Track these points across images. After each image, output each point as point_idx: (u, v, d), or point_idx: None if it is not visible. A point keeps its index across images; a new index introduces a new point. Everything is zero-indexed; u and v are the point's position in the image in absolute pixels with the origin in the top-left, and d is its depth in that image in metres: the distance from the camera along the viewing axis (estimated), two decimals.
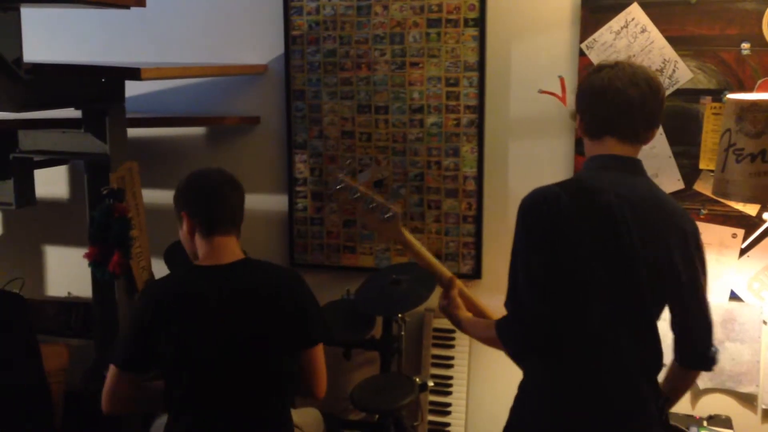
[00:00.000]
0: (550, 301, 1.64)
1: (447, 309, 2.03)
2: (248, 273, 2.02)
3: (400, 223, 1.99)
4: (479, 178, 2.89)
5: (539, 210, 1.67)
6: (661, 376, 1.85)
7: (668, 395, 1.87)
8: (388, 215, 1.96)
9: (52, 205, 3.42)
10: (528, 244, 1.67)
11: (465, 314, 2.00)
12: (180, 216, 2.05)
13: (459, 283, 2.04)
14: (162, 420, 2.21)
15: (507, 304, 1.72)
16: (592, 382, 1.67)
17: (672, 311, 1.80)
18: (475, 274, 2.94)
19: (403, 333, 2.74)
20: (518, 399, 1.78)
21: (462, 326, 2.00)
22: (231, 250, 2.03)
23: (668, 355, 1.81)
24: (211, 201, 2.02)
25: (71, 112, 2.76)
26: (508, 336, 1.71)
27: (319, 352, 2.09)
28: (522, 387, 1.79)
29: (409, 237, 2.02)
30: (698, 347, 1.82)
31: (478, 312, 2.04)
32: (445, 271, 2.06)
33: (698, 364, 1.86)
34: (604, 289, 1.65)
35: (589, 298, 1.65)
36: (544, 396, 1.71)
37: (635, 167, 1.76)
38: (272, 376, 2.00)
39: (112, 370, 1.96)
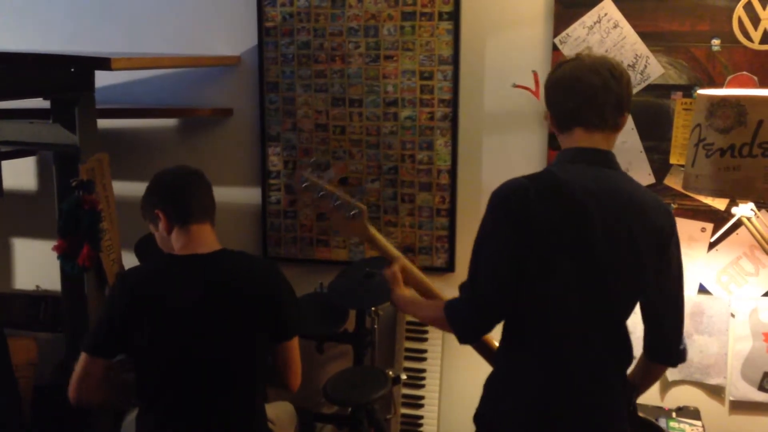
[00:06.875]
0: (507, 291, 1.65)
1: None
2: (227, 264, 2.01)
3: (366, 220, 1.99)
4: (453, 172, 2.89)
5: (508, 201, 1.67)
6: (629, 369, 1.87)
7: (635, 387, 1.88)
8: (353, 212, 1.95)
9: (20, 196, 3.36)
10: (494, 234, 1.68)
11: (405, 291, 2.01)
12: (155, 215, 2.02)
13: (406, 261, 2.04)
14: (133, 416, 2.18)
15: (464, 288, 1.73)
16: (560, 374, 1.68)
17: (644, 306, 1.81)
18: (449, 267, 2.95)
19: (376, 326, 2.74)
20: (489, 389, 1.79)
21: (400, 302, 2.01)
22: (208, 239, 2.03)
23: (637, 348, 1.83)
24: (183, 190, 2.02)
25: (39, 102, 2.72)
26: (456, 317, 1.73)
27: (295, 344, 2.09)
28: (492, 378, 1.79)
29: (375, 233, 2.01)
30: (667, 343, 1.83)
31: (428, 292, 2.05)
32: (407, 264, 2.06)
33: (666, 359, 1.87)
34: (570, 283, 1.65)
35: (555, 290, 1.66)
36: (515, 388, 1.72)
37: (606, 160, 1.74)
38: (248, 368, 1.99)
39: (82, 357, 1.95)
